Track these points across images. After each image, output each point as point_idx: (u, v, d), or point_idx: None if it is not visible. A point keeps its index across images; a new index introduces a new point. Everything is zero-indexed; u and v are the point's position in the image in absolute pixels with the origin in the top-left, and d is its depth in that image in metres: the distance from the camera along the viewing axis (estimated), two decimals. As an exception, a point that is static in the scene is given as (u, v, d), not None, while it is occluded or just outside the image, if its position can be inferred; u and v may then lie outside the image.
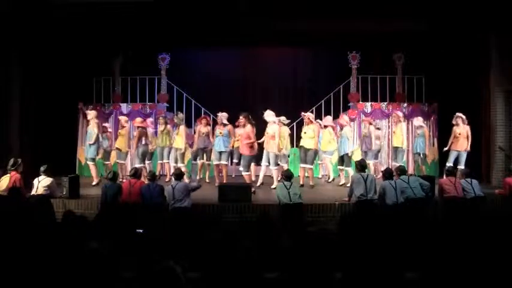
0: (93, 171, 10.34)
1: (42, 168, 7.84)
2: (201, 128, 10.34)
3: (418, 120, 10.63)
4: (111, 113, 12.38)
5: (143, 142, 10.20)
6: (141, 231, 5.23)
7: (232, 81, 12.93)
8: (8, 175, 7.67)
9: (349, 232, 4.90)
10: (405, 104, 12.29)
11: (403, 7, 9.41)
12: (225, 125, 10.00)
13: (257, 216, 6.25)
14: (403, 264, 3.92)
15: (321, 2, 9.46)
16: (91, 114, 10.42)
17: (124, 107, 12.44)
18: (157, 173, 8.98)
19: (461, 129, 9.94)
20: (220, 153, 9.90)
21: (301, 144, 9.99)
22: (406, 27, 10.56)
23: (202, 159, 10.51)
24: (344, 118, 10.71)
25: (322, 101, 12.60)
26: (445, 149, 10.09)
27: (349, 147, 10.01)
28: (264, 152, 9.78)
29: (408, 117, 12.18)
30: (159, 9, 9.62)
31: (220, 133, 9.87)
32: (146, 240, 4.67)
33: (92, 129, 10.19)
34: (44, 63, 11.07)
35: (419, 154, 10.45)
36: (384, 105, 12.31)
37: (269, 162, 9.70)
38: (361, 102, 12.35)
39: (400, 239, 4.86)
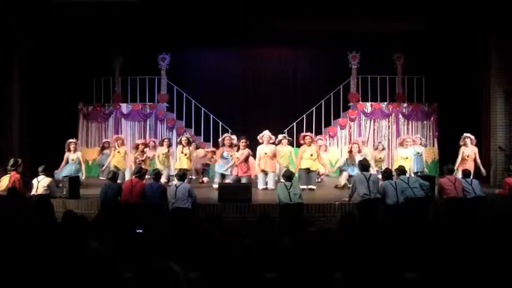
0: None
1: (40, 169, 7.84)
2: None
3: (418, 147, 10.30)
4: (111, 113, 12.41)
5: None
6: (141, 231, 5.23)
7: (232, 81, 12.94)
8: (8, 175, 7.67)
9: (349, 232, 4.90)
10: (405, 104, 12.30)
11: (403, 7, 9.40)
12: (233, 146, 9.77)
13: (257, 216, 6.27)
14: (403, 264, 3.93)
15: (321, 2, 9.45)
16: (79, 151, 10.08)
17: (124, 107, 12.45)
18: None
19: (469, 151, 9.48)
20: (224, 175, 9.75)
21: (304, 166, 9.47)
22: (406, 27, 10.58)
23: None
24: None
25: (322, 101, 12.61)
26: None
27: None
28: (260, 175, 9.52)
29: (408, 117, 12.23)
30: (159, 9, 9.62)
31: (231, 156, 9.65)
32: (146, 240, 4.66)
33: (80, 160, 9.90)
34: (44, 63, 11.07)
35: (416, 173, 9.86)
36: (384, 105, 12.32)
37: (267, 184, 9.46)
38: (361, 102, 12.36)
39: (401, 239, 4.86)
